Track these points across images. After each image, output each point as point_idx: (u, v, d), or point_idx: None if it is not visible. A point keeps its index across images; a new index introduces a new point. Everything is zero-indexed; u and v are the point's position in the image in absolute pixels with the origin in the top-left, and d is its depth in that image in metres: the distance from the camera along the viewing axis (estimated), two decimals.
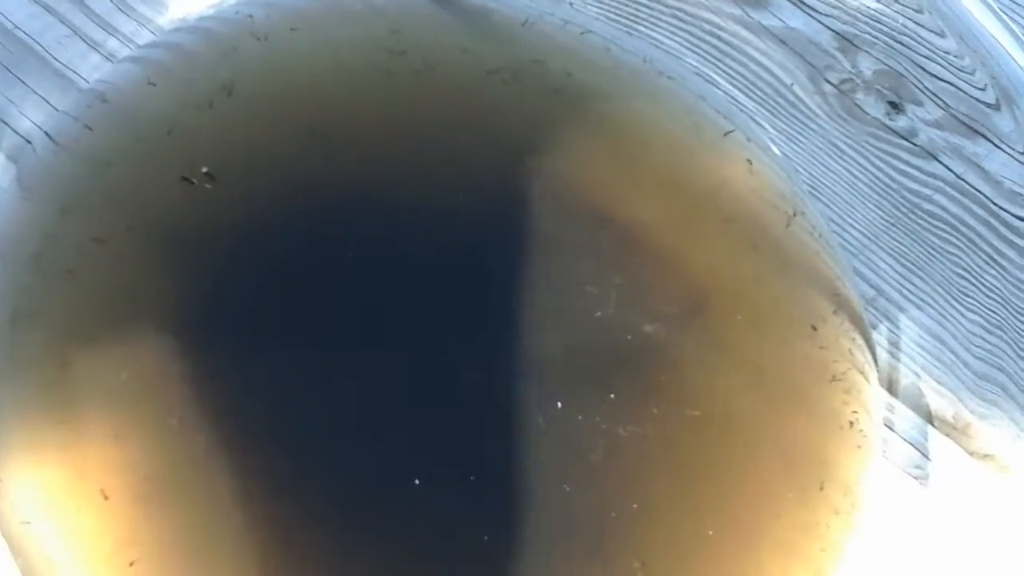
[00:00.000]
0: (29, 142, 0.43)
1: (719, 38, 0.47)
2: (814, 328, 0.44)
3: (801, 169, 0.46)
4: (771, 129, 0.46)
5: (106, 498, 0.39)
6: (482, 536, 0.40)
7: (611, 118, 0.45)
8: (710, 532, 0.41)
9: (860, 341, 0.44)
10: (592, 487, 0.40)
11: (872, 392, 0.43)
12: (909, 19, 0.44)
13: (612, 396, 0.41)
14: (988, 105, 0.44)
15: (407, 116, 0.43)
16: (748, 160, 0.45)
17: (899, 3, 0.44)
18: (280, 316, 0.41)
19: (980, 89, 0.44)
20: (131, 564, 0.38)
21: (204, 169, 0.42)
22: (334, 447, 0.40)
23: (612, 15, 0.47)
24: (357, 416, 0.40)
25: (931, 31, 0.44)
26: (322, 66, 0.44)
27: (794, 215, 0.45)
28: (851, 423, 0.43)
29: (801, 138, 0.46)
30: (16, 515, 0.39)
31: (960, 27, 0.42)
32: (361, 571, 0.39)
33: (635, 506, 0.40)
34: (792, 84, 0.46)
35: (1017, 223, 0.44)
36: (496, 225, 0.42)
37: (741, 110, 0.46)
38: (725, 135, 0.45)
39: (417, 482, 0.39)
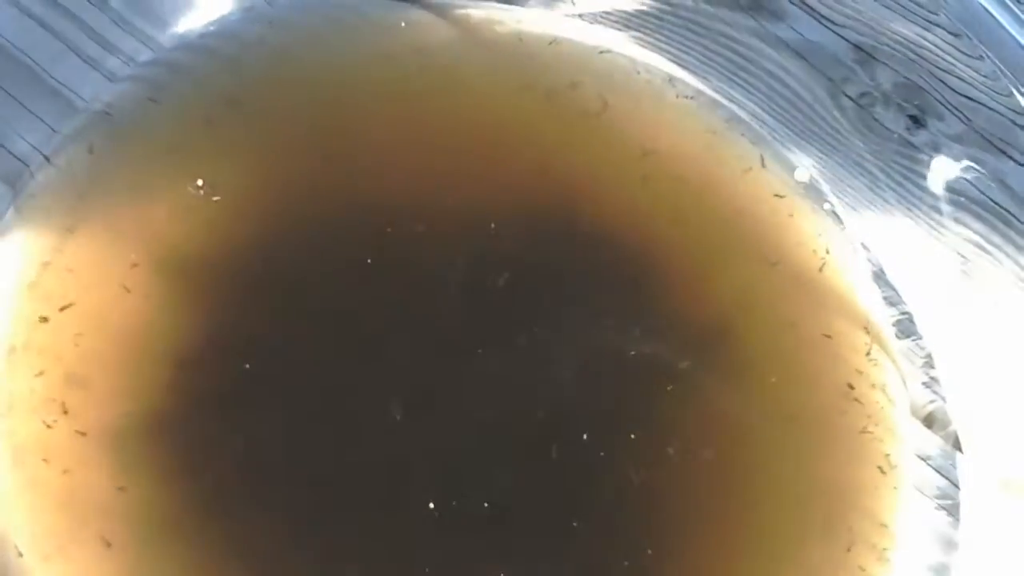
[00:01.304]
0: (27, 165, 0.42)
1: (735, 51, 0.46)
2: (839, 355, 0.43)
3: (828, 191, 0.45)
4: (796, 150, 0.45)
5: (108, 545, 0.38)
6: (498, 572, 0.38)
7: (640, 145, 0.43)
8: (743, 561, 0.40)
9: (891, 369, 0.43)
10: (606, 527, 0.39)
11: (903, 422, 0.42)
12: (928, 29, 0.43)
13: (632, 436, 0.40)
14: (1011, 121, 0.43)
15: (422, 134, 0.42)
16: (776, 192, 0.44)
17: (917, 8, 0.43)
18: (288, 344, 0.40)
19: (1004, 100, 0.43)
20: None
21: (199, 182, 0.40)
22: (358, 486, 0.39)
23: (625, 26, 0.46)
24: (375, 449, 0.39)
25: (950, 42, 0.43)
26: (330, 81, 0.43)
27: (826, 251, 0.43)
28: (885, 455, 0.42)
29: (825, 156, 0.45)
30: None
31: (979, 29, 0.41)
32: None
33: (650, 552, 0.39)
34: (811, 100, 0.45)
35: None
36: (521, 251, 0.41)
37: (763, 128, 0.45)
38: (749, 168, 0.44)
39: (432, 506, 0.38)
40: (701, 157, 0.44)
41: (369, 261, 0.40)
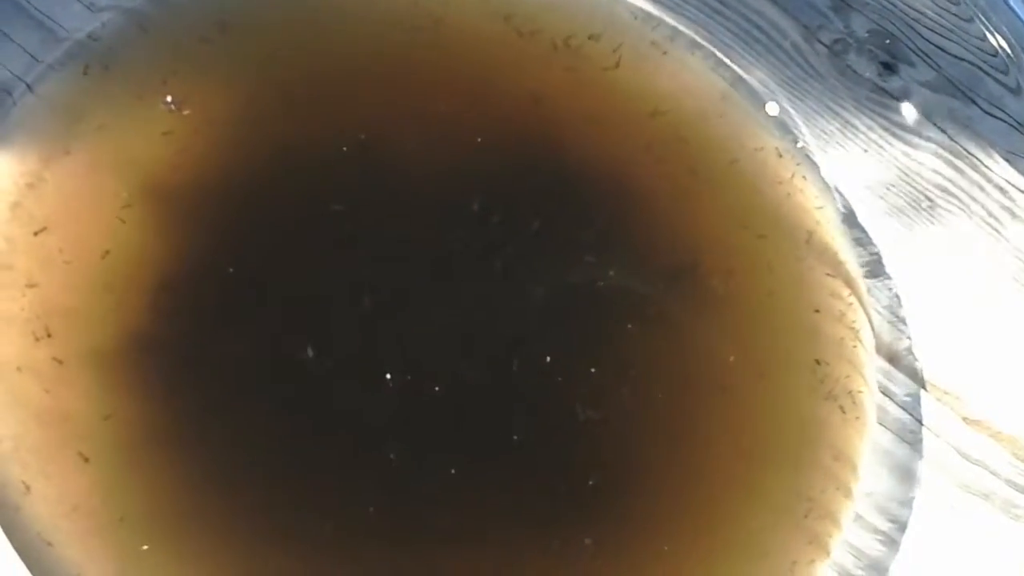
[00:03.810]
0: (9, 94, 0.42)
1: None
2: (809, 293, 0.44)
3: (799, 130, 0.45)
4: (769, 91, 0.45)
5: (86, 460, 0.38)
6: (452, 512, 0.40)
7: (624, 85, 0.44)
8: (697, 493, 0.41)
9: (856, 305, 0.44)
10: (553, 448, 0.40)
11: (868, 358, 0.43)
12: None
13: (593, 370, 0.41)
14: (980, 68, 0.44)
15: (413, 66, 0.42)
16: (754, 135, 0.45)
17: None
18: (269, 262, 0.40)
19: (974, 47, 0.43)
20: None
21: (168, 98, 0.41)
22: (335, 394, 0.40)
23: None
24: (349, 346, 0.40)
25: None
26: (322, 7, 0.43)
27: (800, 192, 0.44)
28: (850, 392, 0.42)
29: (798, 100, 0.45)
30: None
31: None
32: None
33: (591, 482, 0.40)
34: (786, 45, 0.46)
35: (1009, 187, 0.43)
36: (504, 183, 0.42)
37: (740, 64, 0.45)
38: (723, 98, 0.45)
39: (389, 376, 0.39)
40: (682, 100, 0.44)
41: (350, 180, 0.41)
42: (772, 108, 0.45)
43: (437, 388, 0.40)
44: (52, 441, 0.38)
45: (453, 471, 0.39)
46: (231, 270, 0.40)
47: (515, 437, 0.40)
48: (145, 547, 0.37)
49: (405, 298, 0.41)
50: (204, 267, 0.40)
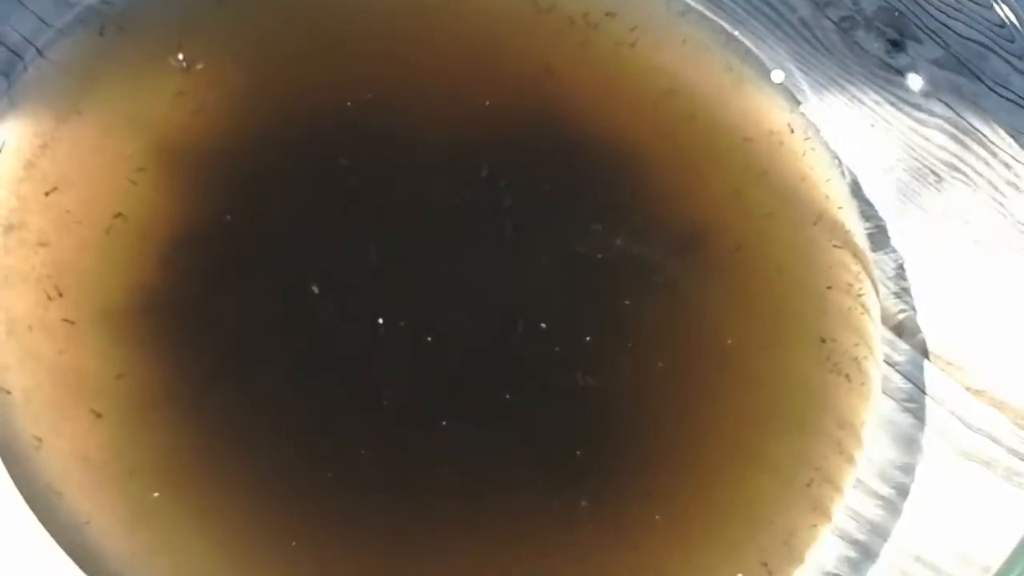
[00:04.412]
0: (20, 57, 0.42)
1: None
2: (815, 264, 0.44)
3: (808, 105, 0.45)
4: (782, 60, 0.45)
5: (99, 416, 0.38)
6: (454, 474, 0.40)
7: (639, 62, 0.44)
8: (698, 459, 0.41)
9: (862, 276, 0.44)
10: (546, 410, 0.41)
11: (874, 328, 0.43)
12: None
13: (594, 337, 0.41)
14: (986, 46, 0.44)
15: (427, 32, 0.43)
16: (763, 103, 0.45)
17: None
18: (279, 218, 0.41)
19: (981, 24, 0.43)
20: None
21: (180, 56, 0.41)
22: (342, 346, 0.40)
23: None
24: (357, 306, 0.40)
25: None
26: None
27: (802, 153, 0.44)
28: (855, 360, 0.43)
29: (805, 75, 0.46)
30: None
31: None
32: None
33: (578, 453, 0.40)
34: (795, 21, 0.46)
35: (1014, 163, 0.44)
36: (513, 148, 0.42)
37: (751, 40, 0.46)
38: (734, 76, 0.45)
39: (381, 321, 0.39)
40: (704, 76, 0.44)
41: (359, 138, 0.41)
42: (777, 75, 0.45)
43: (430, 338, 0.40)
44: (65, 397, 0.38)
45: (444, 423, 0.39)
46: (241, 228, 0.40)
47: (507, 396, 0.40)
48: (156, 494, 0.37)
49: (410, 255, 0.41)
50: (215, 226, 0.40)
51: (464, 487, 0.39)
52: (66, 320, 0.39)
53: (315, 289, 0.40)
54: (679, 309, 0.42)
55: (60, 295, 0.39)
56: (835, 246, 0.44)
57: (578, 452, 0.40)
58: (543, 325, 0.41)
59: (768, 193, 0.44)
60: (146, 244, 0.40)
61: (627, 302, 0.42)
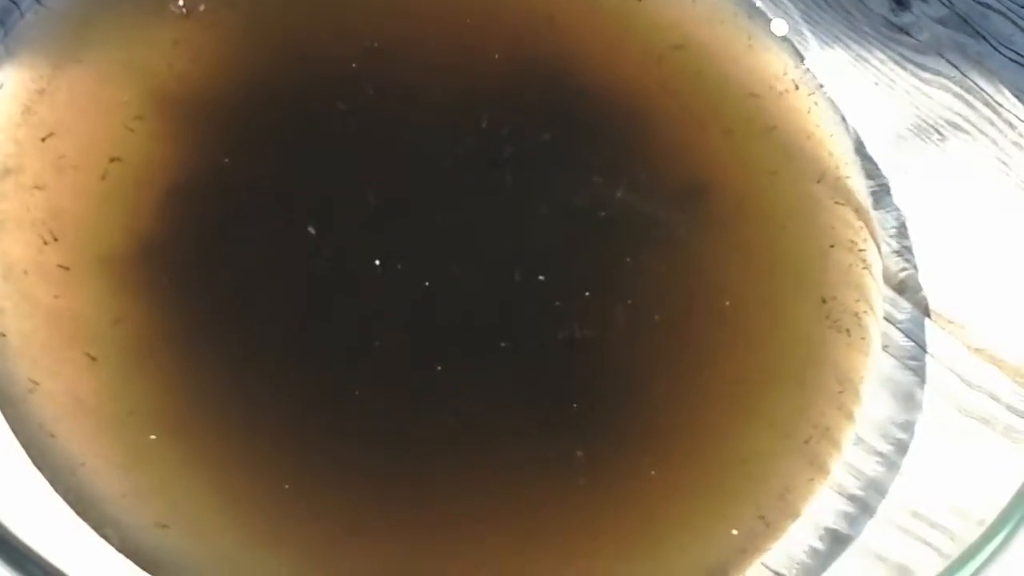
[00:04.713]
0: (17, 6, 0.42)
1: None
2: (817, 221, 0.44)
3: (813, 62, 0.45)
4: (787, 15, 0.45)
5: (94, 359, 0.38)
6: (451, 420, 0.40)
7: (645, 16, 0.44)
8: (694, 414, 0.41)
9: (864, 233, 0.44)
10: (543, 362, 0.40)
11: (875, 286, 0.43)
12: None
13: (592, 289, 0.41)
14: (989, 6, 0.44)
15: None
16: (768, 59, 0.45)
17: None
18: (280, 163, 0.41)
19: None
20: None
21: (180, 1, 0.41)
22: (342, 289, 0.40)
23: None
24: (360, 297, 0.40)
25: None
26: None
27: (816, 127, 0.44)
28: (856, 316, 0.42)
29: (811, 34, 0.45)
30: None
31: None
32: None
33: (575, 405, 0.40)
34: None
35: (1018, 123, 0.44)
36: (515, 98, 0.42)
37: None
38: (738, 31, 0.45)
39: (377, 263, 0.39)
40: (711, 32, 0.44)
41: (359, 85, 0.41)
42: (779, 26, 0.45)
43: (427, 283, 0.40)
44: (61, 342, 0.38)
45: (439, 368, 0.39)
46: (238, 175, 0.40)
47: (502, 344, 0.40)
48: (153, 437, 0.37)
49: (408, 202, 0.41)
50: (212, 173, 0.40)
51: (460, 434, 0.39)
52: (61, 266, 0.39)
53: (311, 230, 0.40)
54: (679, 263, 0.42)
55: (55, 240, 0.39)
56: (837, 203, 0.44)
57: (575, 404, 0.40)
58: (540, 277, 0.40)
59: (772, 149, 0.44)
60: (143, 190, 0.39)
61: (626, 256, 0.41)
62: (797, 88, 0.45)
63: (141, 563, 0.37)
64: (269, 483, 0.38)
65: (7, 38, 0.42)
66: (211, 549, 0.38)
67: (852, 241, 0.44)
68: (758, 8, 0.45)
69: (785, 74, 0.45)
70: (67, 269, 0.39)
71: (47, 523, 0.37)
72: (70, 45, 0.41)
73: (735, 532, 0.40)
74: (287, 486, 0.38)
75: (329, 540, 0.38)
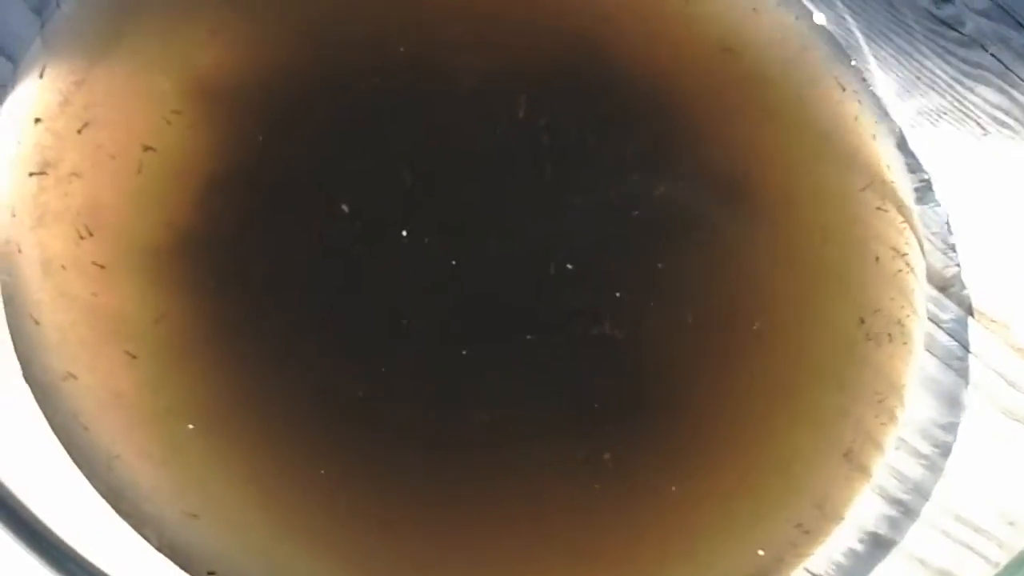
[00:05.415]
0: None
1: None
2: (861, 220, 0.43)
3: (856, 57, 0.45)
4: (823, 15, 0.45)
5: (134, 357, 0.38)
6: (483, 416, 0.39)
7: (694, 14, 0.44)
8: (733, 415, 0.41)
9: (908, 232, 0.43)
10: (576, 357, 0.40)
11: (918, 285, 0.43)
12: None
13: (627, 287, 0.40)
14: None
15: None
16: (813, 55, 0.44)
17: None
18: (317, 158, 0.40)
19: None
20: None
21: None
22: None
23: None
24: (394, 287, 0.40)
25: None
26: None
27: (854, 119, 0.44)
28: (899, 318, 0.42)
29: (854, 27, 0.45)
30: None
31: None
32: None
33: (596, 405, 0.39)
34: None
35: None
36: (553, 90, 0.42)
37: None
38: (784, 23, 0.44)
39: (405, 234, 0.39)
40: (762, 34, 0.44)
41: (401, 72, 0.40)
42: (819, 18, 0.45)
43: (455, 262, 0.39)
44: (99, 338, 0.38)
45: (464, 352, 0.39)
46: (277, 162, 0.39)
47: (527, 337, 0.39)
48: (191, 426, 0.37)
49: (444, 186, 0.40)
50: (249, 160, 0.40)
51: (492, 433, 0.39)
52: (97, 263, 0.38)
53: (345, 208, 0.39)
54: (719, 260, 0.42)
55: (91, 235, 0.39)
56: (881, 199, 0.44)
57: (603, 404, 0.39)
58: (581, 267, 0.40)
59: (816, 148, 0.43)
60: (181, 181, 0.39)
61: (664, 254, 0.41)
62: (844, 90, 0.44)
63: (176, 558, 0.37)
64: (304, 478, 0.38)
65: (44, 30, 0.41)
66: (245, 542, 0.37)
67: (895, 239, 0.43)
68: (806, 8, 0.45)
69: (829, 70, 0.44)
70: (103, 268, 0.38)
71: (82, 516, 0.36)
72: (107, 36, 0.41)
73: (773, 537, 0.40)
74: (322, 471, 0.38)
75: (364, 534, 0.38)
